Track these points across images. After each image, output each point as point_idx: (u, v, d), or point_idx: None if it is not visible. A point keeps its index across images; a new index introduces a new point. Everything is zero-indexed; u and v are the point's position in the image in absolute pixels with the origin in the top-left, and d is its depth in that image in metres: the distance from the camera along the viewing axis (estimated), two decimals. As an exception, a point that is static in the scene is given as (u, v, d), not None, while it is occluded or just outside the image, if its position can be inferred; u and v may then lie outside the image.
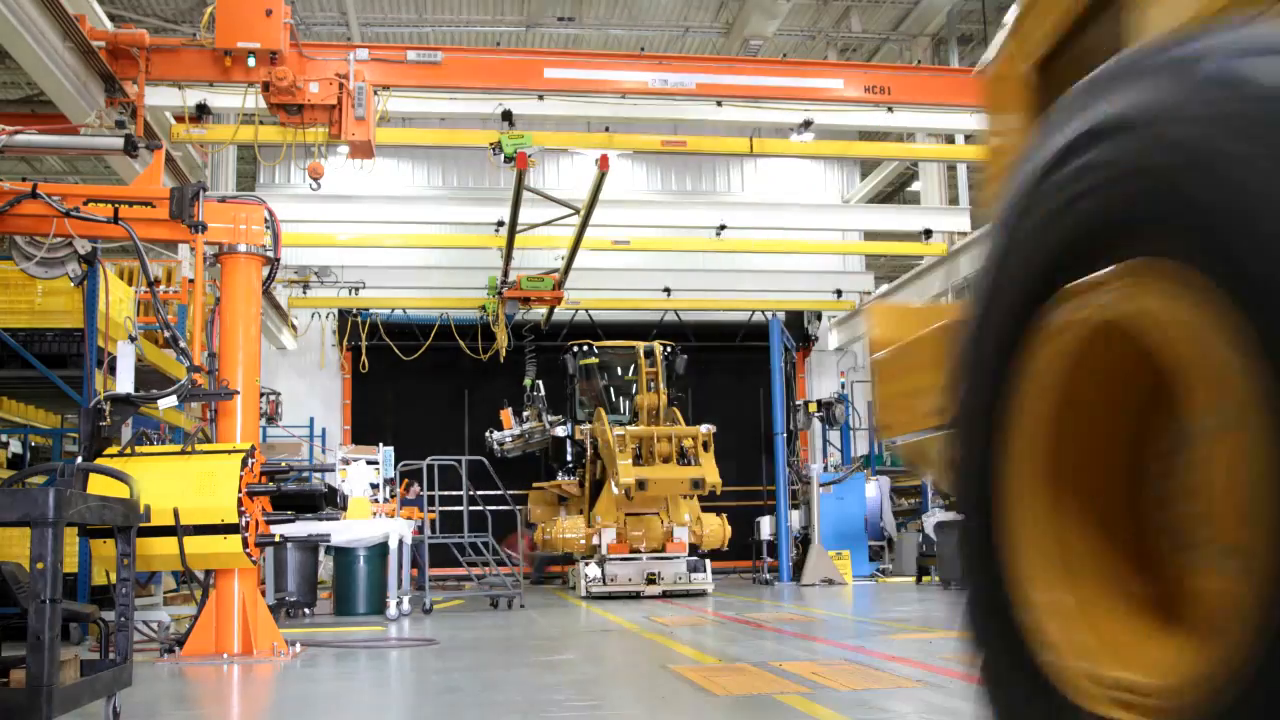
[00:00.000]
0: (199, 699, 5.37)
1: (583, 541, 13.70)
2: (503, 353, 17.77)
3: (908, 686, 5.01)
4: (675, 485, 12.90)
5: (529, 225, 14.90)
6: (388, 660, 6.80)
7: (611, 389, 16.69)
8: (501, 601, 11.66)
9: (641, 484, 12.42)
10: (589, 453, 14.85)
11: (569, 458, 15.79)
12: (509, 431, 15.98)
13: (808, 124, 14.74)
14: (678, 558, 13.09)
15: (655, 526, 13.55)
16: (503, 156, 10.56)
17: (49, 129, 8.69)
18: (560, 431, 15.99)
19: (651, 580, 12.81)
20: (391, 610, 9.91)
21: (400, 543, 10.48)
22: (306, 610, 10.95)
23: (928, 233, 20.13)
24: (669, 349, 15.10)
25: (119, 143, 7.25)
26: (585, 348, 16.10)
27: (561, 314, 21.76)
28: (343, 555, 10.79)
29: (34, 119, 10.77)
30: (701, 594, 12.85)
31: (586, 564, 13.20)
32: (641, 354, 14.52)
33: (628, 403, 15.94)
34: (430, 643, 7.63)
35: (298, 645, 7.23)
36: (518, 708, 4.68)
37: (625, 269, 21.43)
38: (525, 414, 16.67)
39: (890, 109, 14.60)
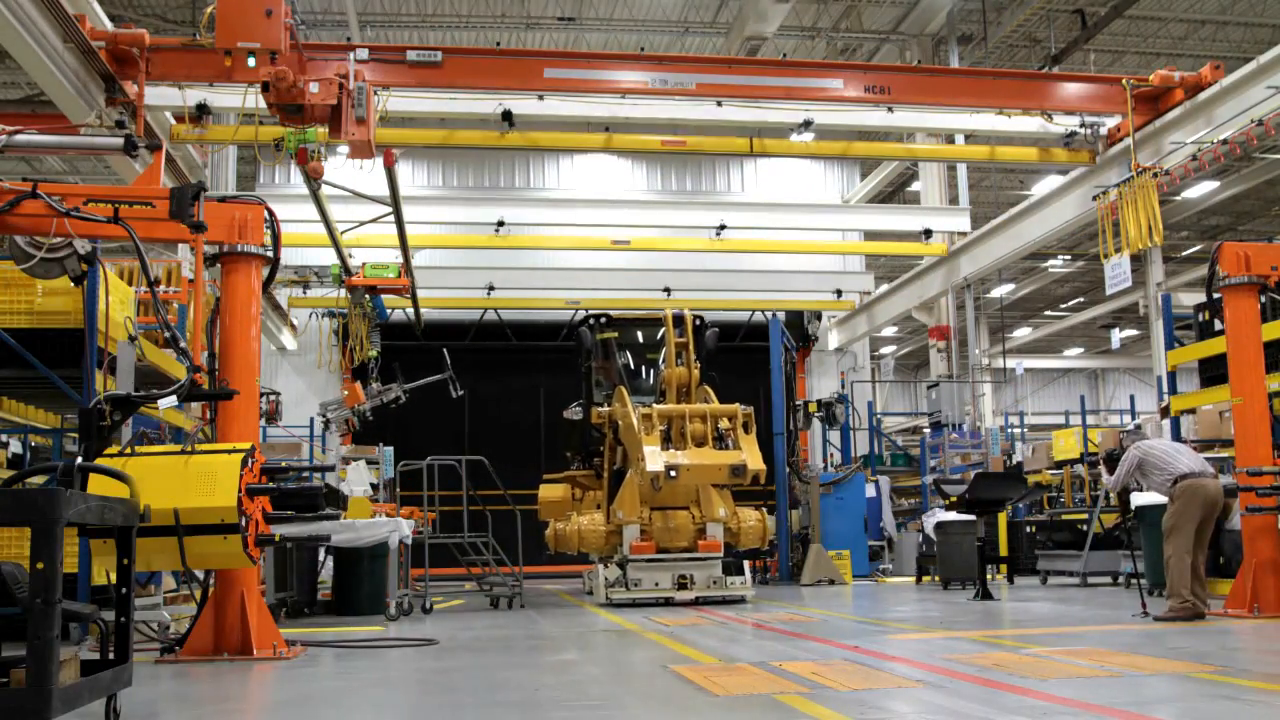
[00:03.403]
0: (199, 699, 5.37)
1: (602, 540, 12.06)
2: (363, 349, 16.69)
3: (908, 686, 5.01)
4: (712, 472, 10.99)
5: (358, 222, 14.75)
6: (388, 660, 6.80)
7: (633, 367, 14.61)
8: (502, 601, 11.67)
9: (672, 471, 10.55)
10: (608, 438, 13.02)
11: (585, 444, 13.97)
12: (365, 404, 14.53)
13: (808, 124, 14.76)
14: (712, 558, 11.47)
15: (685, 522, 11.76)
16: (286, 152, 10.19)
17: (49, 129, 8.68)
18: (574, 414, 14.18)
19: (683, 584, 11.30)
20: (391, 610, 9.91)
21: (400, 543, 10.47)
22: (306, 610, 10.95)
23: (928, 233, 20.16)
24: (699, 319, 13.02)
25: (119, 143, 7.24)
26: (602, 319, 14.13)
27: (561, 314, 21.79)
28: (343, 555, 10.79)
29: (34, 119, 10.79)
30: (740, 601, 11.36)
31: (605, 566, 11.73)
32: (670, 320, 12.49)
33: (651, 382, 14.04)
34: (430, 643, 7.64)
35: (298, 645, 7.23)
36: (518, 707, 4.68)
37: (625, 269, 21.46)
38: (374, 386, 15.24)
39: (890, 109, 14.62)
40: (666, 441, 11.03)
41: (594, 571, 12.39)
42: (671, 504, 11.77)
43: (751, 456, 10.76)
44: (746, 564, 11.87)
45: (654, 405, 11.51)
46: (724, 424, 11.21)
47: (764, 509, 12.37)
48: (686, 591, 11.27)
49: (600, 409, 13.16)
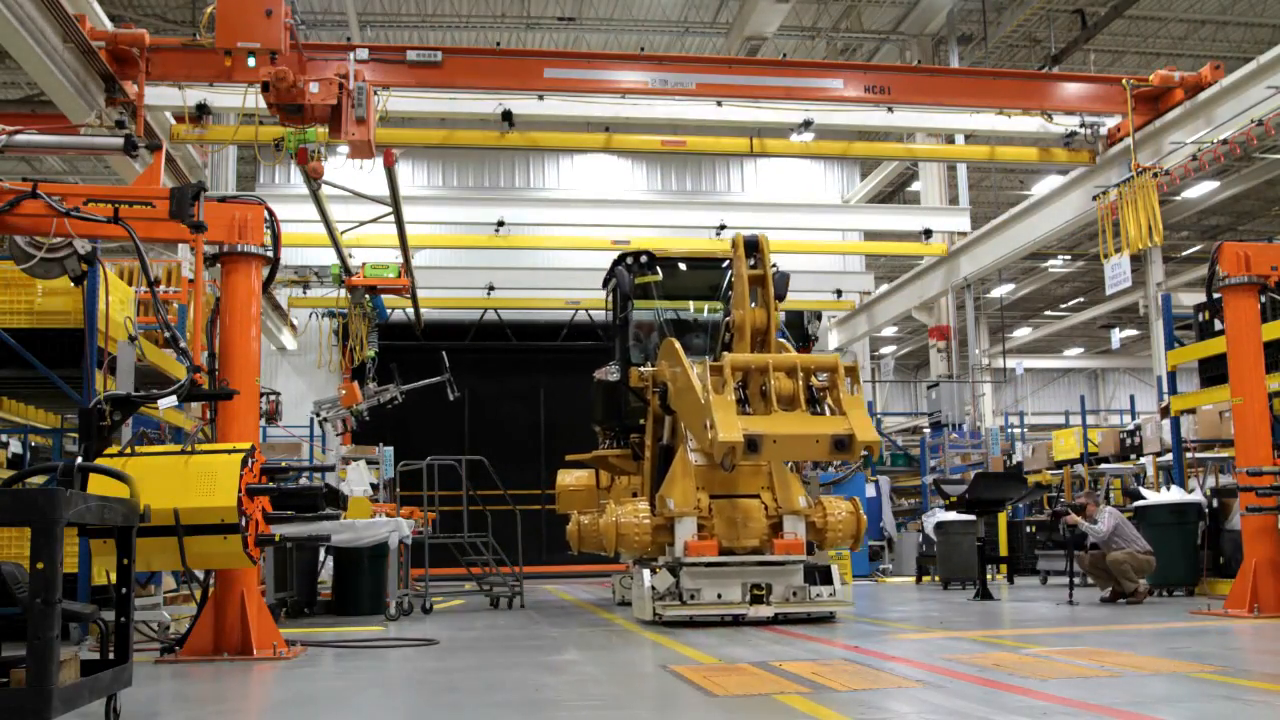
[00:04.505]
0: (199, 699, 5.37)
1: (648, 537, 9.20)
2: (362, 349, 16.58)
3: (908, 686, 5.01)
4: (807, 445, 8.07)
5: (358, 222, 14.81)
6: (388, 660, 6.80)
7: (677, 321, 11.71)
8: (502, 601, 11.67)
9: (753, 443, 7.66)
10: (652, 405, 10.24)
11: (620, 415, 11.16)
12: (361, 404, 14.27)
13: (808, 124, 14.76)
14: (792, 562, 8.81)
15: (755, 514, 9.06)
16: (287, 152, 10.15)
17: (49, 129, 8.68)
18: (609, 375, 11.21)
19: (758, 597, 8.67)
20: (391, 610, 9.92)
21: (400, 543, 10.47)
22: (306, 610, 10.96)
23: (928, 233, 20.16)
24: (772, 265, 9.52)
25: (119, 143, 7.24)
26: (644, 259, 11.26)
27: (561, 314, 21.80)
28: (343, 555, 10.79)
29: (34, 119, 10.79)
30: (828, 619, 8.86)
31: (653, 572, 8.95)
32: (740, 246, 9.19)
33: (702, 340, 11.32)
34: (430, 643, 7.64)
35: (298, 645, 7.23)
36: (518, 707, 4.68)
37: (625, 269, 21.44)
38: (370, 386, 14.99)
39: (890, 109, 14.62)
40: (740, 404, 8.17)
41: (633, 577, 9.96)
42: (737, 490, 9.22)
43: (860, 424, 7.88)
44: (836, 569, 9.11)
45: (727, 354, 8.47)
46: (816, 381, 8.37)
47: (856, 498, 9.79)
48: (762, 606, 8.63)
49: (642, 369, 10.50)
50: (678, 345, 9.35)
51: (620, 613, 10.47)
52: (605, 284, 11.87)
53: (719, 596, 8.66)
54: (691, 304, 11.92)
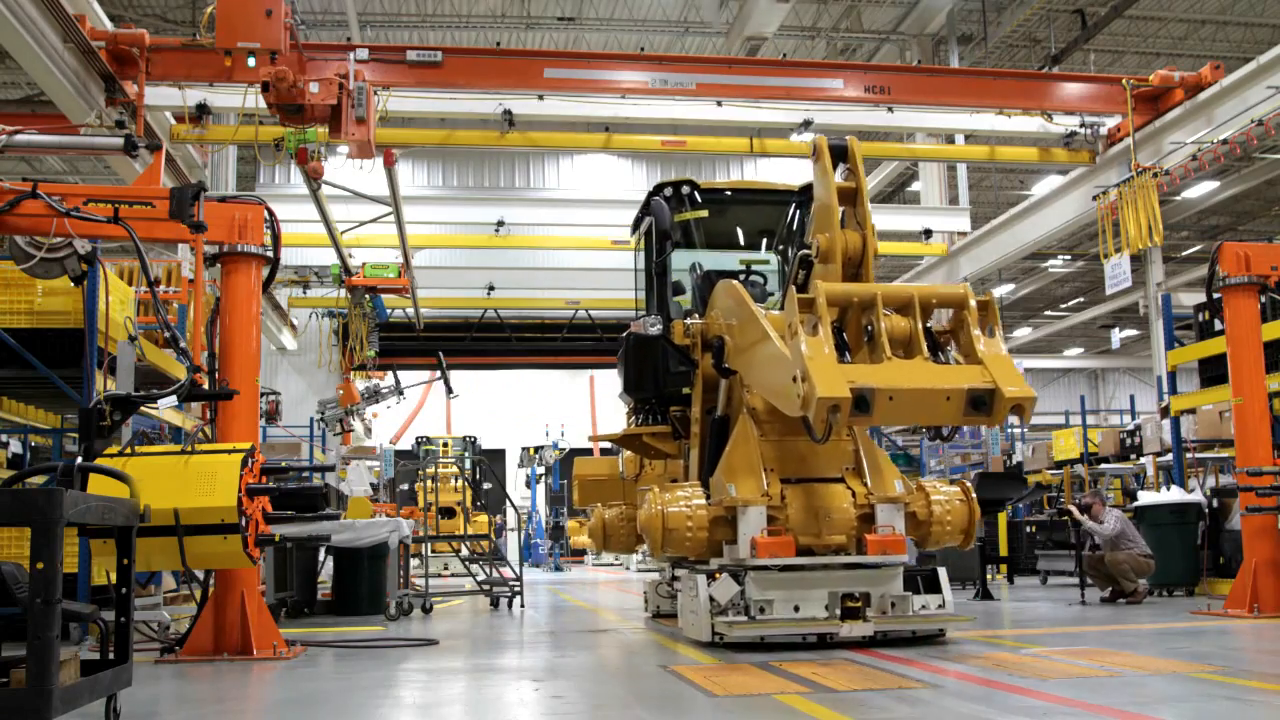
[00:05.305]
0: (199, 699, 5.37)
1: (705, 532, 7.14)
2: (362, 350, 16.53)
3: (908, 686, 5.01)
4: (934, 404, 5.84)
5: (358, 222, 14.88)
6: (388, 660, 6.80)
7: (726, 274, 9.11)
8: (501, 601, 11.67)
9: (863, 401, 5.60)
10: (701, 366, 8.21)
11: (659, 381, 8.59)
12: (360, 404, 14.07)
13: (808, 124, 14.78)
14: (889, 565, 6.89)
15: (840, 502, 7.03)
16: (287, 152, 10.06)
17: (49, 129, 8.69)
18: (650, 327, 8.65)
19: (851, 610, 6.72)
20: (391, 610, 9.91)
21: (400, 543, 10.47)
22: (306, 610, 10.96)
23: (928, 233, 20.17)
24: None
25: (119, 143, 7.24)
26: (687, 190, 9.06)
27: (561, 312, 21.82)
28: (343, 555, 10.79)
29: (34, 119, 10.81)
30: (937, 636, 6.96)
31: (710, 579, 6.95)
32: (824, 152, 7.45)
33: (756, 292, 8.83)
34: (430, 643, 7.64)
35: (298, 645, 7.23)
36: (518, 706, 4.69)
37: (625, 269, 21.41)
38: (371, 384, 14.85)
39: (890, 109, 14.64)
40: (839, 350, 6.01)
41: (685, 586, 7.53)
42: (815, 473, 7.20)
43: (1004, 375, 5.80)
44: (943, 573, 7.29)
45: (821, 283, 6.16)
46: (935, 323, 6.36)
47: (965, 482, 7.59)
48: (858, 623, 6.68)
49: (688, 321, 8.34)
50: (740, 287, 7.47)
51: (659, 629, 8.44)
52: (635, 227, 9.75)
53: (796, 610, 6.75)
54: (742, 248, 9.81)
